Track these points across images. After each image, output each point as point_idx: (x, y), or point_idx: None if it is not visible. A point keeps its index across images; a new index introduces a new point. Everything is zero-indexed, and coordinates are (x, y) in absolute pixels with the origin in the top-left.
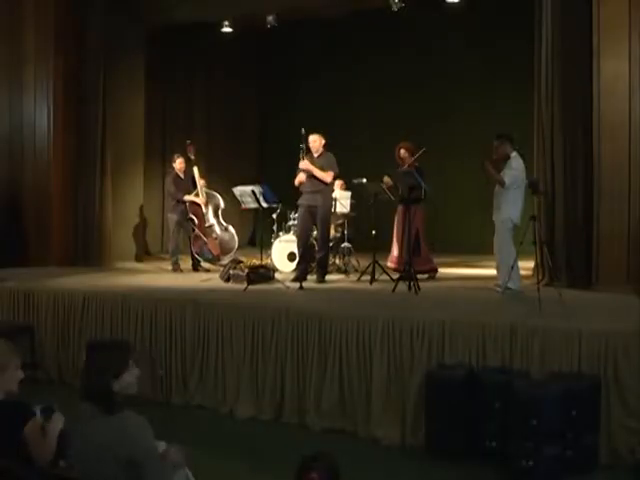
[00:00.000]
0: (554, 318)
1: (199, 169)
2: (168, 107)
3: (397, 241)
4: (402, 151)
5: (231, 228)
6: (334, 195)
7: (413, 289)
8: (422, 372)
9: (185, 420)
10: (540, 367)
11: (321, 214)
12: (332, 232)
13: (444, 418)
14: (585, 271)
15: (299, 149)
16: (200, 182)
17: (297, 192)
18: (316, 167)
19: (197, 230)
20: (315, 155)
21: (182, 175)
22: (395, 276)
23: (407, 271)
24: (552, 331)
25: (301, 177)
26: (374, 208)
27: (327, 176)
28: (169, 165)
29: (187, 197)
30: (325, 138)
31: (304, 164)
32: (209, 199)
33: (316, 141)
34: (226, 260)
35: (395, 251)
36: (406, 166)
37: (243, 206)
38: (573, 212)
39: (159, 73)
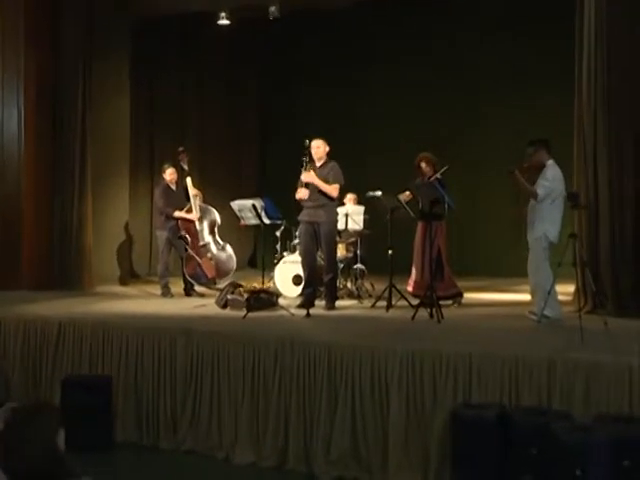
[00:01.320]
0: (599, 351)
1: (193, 180)
2: (157, 110)
3: (417, 262)
4: (423, 164)
5: (229, 247)
6: (345, 210)
7: (435, 317)
8: (446, 412)
9: (175, 468)
10: (584, 408)
11: (325, 232)
12: (343, 252)
13: (472, 465)
14: (634, 297)
15: (302, 160)
16: (194, 195)
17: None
18: (320, 179)
19: (190, 250)
20: (318, 164)
21: (173, 187)
22: (415, 302)
23: (428, 296)
24: (597, 366)
25: (303, 193)
26: (390, 225)
27: (333, 190)
28: (159, 176)
29: (178, 212)
30: (331, 145)
31: (308, 176)
32: (204, 214)
33: (320, 147)
34: (223, 284)
35: (415, 274)
36: (427, 178)
37: (242, 222)
38: (620, 229)
39: (146, 72)
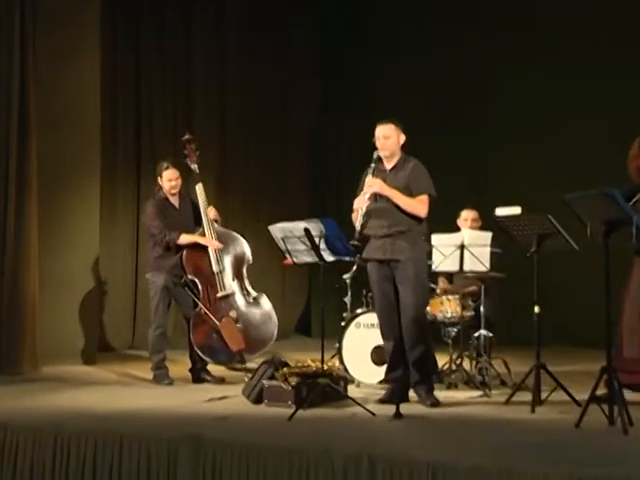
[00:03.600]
0: None
1: (206, 189)
2: (146, 84)
3: (626, 329)
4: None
5: (265, 301)
6: (460, 238)
7: (622, 422)
8: None
9: None
10: None
11: (407, 276)
12: (456, 309)
13: None
14: None
15: (372, 161)
16: (209, 213)
17: None
18: (391, 187)
19: (202, 305)
20: (388, 165)
21: (174, 200)
22: (588, 393)
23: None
24: None
25: (360, 201)
26: (538, 262)
27: (418, 205)
28: (150, 184)
29: (186, 237)
30: (408, 134)
31: (375, 183)
32: (225, 245)
33: (390, 137)
34: (255, 361)
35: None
36: None
37: (289, 259)
38: None
39: (129, 15)
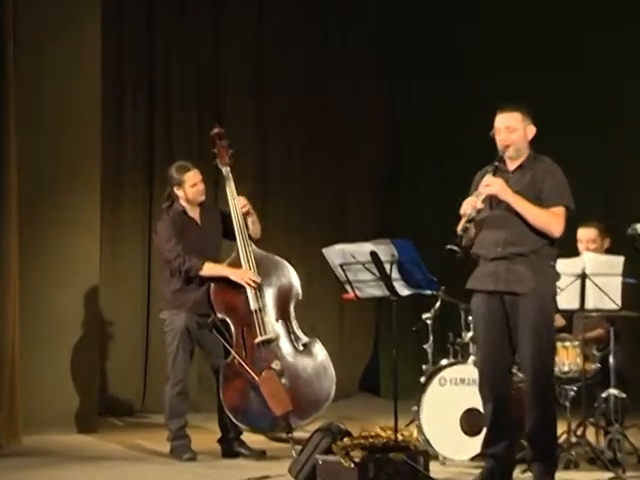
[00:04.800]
0: None
1: (238, 197)
2: (161, 67)
3: None
4: None
5: (319, 348)
6: (580, 264)
7: None
8: None
9: None
10: None
11: (529, 314)
12: (576, 360)
13: None
14: None
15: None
16: (244, 230)
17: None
18: (521, 195)
19: (235, 352)
20: (511, 166)
21: (195, 214)
22: None
23: None
24: None
25: (469, 204)
26: None
27: (553, 218)
28: (166, 195)
29: (212, 267)
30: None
31: (495, 183)
32: (266, 275)
33: (515, 129)
34: (306, 429)
35: None
36: None
37: (350, 293)
38: None
39: None
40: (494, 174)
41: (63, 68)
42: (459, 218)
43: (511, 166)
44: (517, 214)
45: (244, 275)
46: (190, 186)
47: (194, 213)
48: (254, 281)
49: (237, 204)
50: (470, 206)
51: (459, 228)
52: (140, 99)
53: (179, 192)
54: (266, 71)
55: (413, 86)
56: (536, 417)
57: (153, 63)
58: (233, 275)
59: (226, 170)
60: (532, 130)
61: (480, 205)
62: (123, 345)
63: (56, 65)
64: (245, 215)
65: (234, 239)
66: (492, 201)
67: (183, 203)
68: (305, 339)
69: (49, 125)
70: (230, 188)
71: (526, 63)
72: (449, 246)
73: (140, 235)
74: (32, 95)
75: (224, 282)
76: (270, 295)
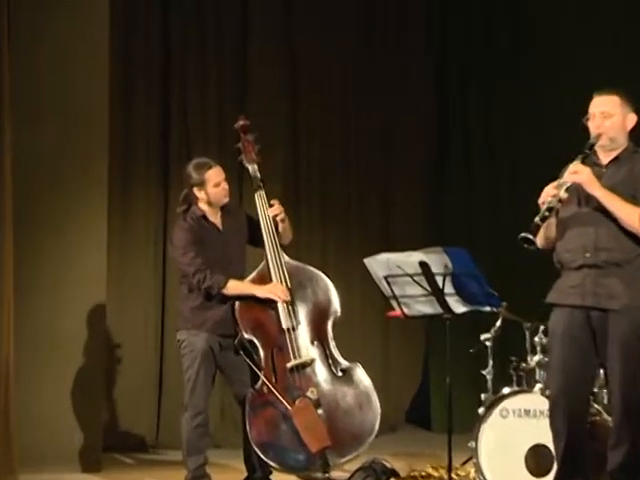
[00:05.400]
0: None
1: (265, 200)
2: (178, 49)
3: None
4: None
5: (360, 374)
6: None
7: None
8: None
9: None
10: None
11: (621, 335)
12: None
13: None
14: None
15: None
16: (274, 237)
17: (547, 267)
18: (608, 189)
19: (264, 378)
20: (605, 158)
21: (216, 218)
22: None
23: None
24: None
25: (550, 190)
26: None
27: None
28: (181, 198)
29: (237, 284)
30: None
31: (581, 171)
32: (299, 288)
33: (611, 115)
34: (345, 468)
35: None
36: None
37: (395, 311)
38: None
39: None
40: (583, 162)
41: (65, 53)
42: (526, 222)
43: (605, 159)
44: (609, 213)
45: (275, 290)
46: (213, 186)
47: (215, 217)
48: (285, 300)
49: (266, 208)
50: (550, 194)
51: (537, 217)
52: (153, 87)
53: (200, 194)
54: (298, 56)
55: (463, 83)
56: (624, 453)
57: (168, 46)
58: (262, 293)
59: (253, 168)
60: (633, 119)
61: (564, 195)
62: (133, 370)
63: (57, 50)
64: (277, 220)
65: (261, 246)
66: (580, 196)
67: (203, 206)
68: (345, 363)
69: (49, 118)
70: (258, 190)
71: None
72: (523, 234)
73: (153, 243)
74: (29, 84)
75: (251, 297)
76: (304, 312)
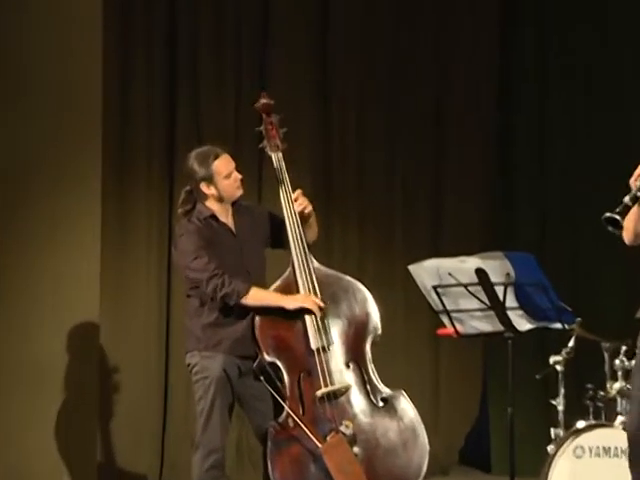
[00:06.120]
0: None
1: (297, 192)
2: (184, 17)
3: None
4: None
5: (405, 405)
6: None
7: None
8: None
9: None
10: None
11: None
12: None
13: None
14: None
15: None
16: (302, 238)
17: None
18: None
19: (288, 409)
20: None
21: (228, 220)
22: None
23: None
24: None
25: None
26: None
27: None
28: (183, 197)
29: (259, 296)
30: None
31: None
32: (333, 300)
33: None
34: None
35: None
36: None
37: (447, 328)
38: None
39: None
40: None
41: (50, 23)
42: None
43: None
44: None
45: (306, 300)
46: (224, 177)
47: (226, 217)
48: (320, 308)
49: (293, 205)
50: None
51: (627, 197)
52: (157, 63)
53: (208, 190)
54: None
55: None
56: None
57: (174, 11)
58: (292, 303)
59: (277, 157)
60: None
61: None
62: (132, 401)
63: (41, 20)
64: (303, 217)
65: (285, 248)
66: None
67: (212, 204)
68: (386, 391)
69: (30, 102)
70: (283, 182)
71: None
72: (609, 214)
73: (156, 248)
74: (7, 61)
75: (274, 311)
76: (338, 329)
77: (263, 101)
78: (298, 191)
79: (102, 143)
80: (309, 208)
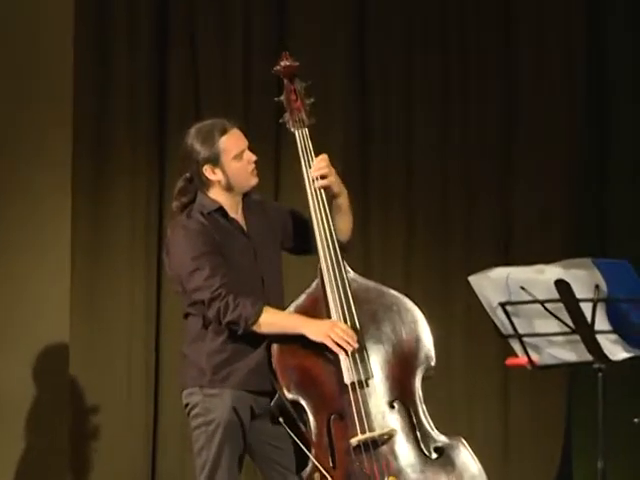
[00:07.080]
0: None
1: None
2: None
3: None
4: None
5: (464, 456)
6: None
7: None
8: None
9: None
10: None
11: None
12: None
13: None
14: None
15: None
16: (334, 241)
17: None
18: None
19: (315, 460)
20: None
21: (238, 217)
22: None
23: None
24: None
25: None
26: None
27: None
28: (178, 187)
29: (274, 321)
30: None
31: None
32: (373, 321)
33: None
34: None
35: None
36: None
37: (521, 358)
38: None
39: None
40: None
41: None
42: None
43: None
44: None
45: (336, 331)
46: (234, 158)
47: (236, 211)
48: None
49: (320, 193)
50: None
51: None
52: (140, 15)
53: (214, 175)
54: None
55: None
56: None
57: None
58: (315, 334)
59: (301, 134)
60: None
61: None
62: (113, 449)
63: None
64: (327, 191)
65: (310, 253)
66: None
67: (218, 195)
68: (441, 440)
69: None
70: (309, 166)
71: None
72: None
73: (143, 253)
74: None
75: (296, 335)
76: (380, 359)
77: (285, 63)
78: (322, 156)
79: (72, 121)
80: (331, 177)
